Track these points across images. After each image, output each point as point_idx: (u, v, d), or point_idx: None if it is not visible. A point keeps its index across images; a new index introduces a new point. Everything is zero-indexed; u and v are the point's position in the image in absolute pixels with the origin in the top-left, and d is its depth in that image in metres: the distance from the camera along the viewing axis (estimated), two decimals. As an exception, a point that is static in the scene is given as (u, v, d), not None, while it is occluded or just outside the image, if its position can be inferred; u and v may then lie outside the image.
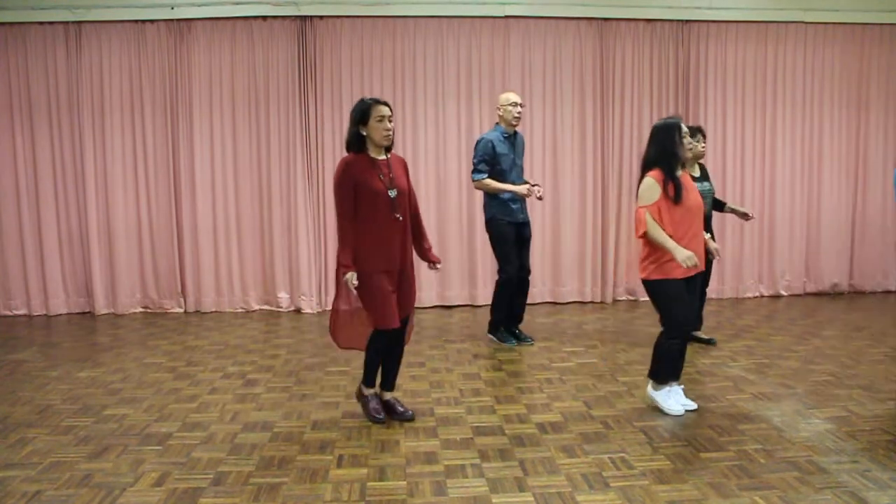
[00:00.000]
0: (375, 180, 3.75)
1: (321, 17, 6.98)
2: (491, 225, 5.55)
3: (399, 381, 4.70)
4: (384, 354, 3.95)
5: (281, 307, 7.19)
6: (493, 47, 7.15)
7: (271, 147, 7.07)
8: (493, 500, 3.01)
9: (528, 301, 5.88)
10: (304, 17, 6.95)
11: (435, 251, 4.28)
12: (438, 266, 4.14)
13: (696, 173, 5.27)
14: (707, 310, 6.99)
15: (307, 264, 7.12)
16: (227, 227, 7.12)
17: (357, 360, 5.27)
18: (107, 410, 4.21)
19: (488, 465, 3.36)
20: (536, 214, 6.76)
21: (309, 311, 7.13)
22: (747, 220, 5.66)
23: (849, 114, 7.66)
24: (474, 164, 5.46)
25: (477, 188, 5.57)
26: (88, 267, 7.07)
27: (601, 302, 7.42)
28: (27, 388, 4.69)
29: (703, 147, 5.27)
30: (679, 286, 3.90)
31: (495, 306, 5.68)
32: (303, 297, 7.14)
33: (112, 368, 5.13)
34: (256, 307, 7.24)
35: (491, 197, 5.51)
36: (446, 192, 7.21)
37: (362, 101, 3.79)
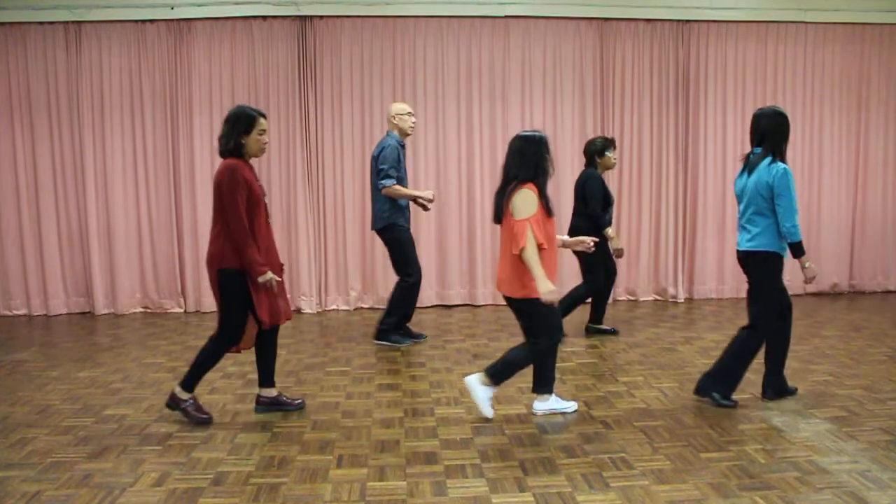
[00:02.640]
0: (257, 186, 3.86)
1: (321, 17, 6.98)
2: (392, 231, 5.50)
3: (399, 380, 4.73)
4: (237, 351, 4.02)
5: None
6: (493, 47, 7.16)
7: (271, 147, 7.05)
8: (493, 500, 3.01)
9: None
10: (304, 17, 6.96)
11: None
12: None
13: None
14: (707, 309, 7.02)
15: (307, 264, 7.13)
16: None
17: (358, 359, 5.27)
18: (107, 410, 4.21)
19: (488, 465, 3.36)
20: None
21: (309, 311, 7.13)
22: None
23: (849, 114, 7.66)
24: (384, 170, 5.37)
25: (386, 194, 5.42)
26: (88, 267, 7.07)
27: (601, 302, 7.42)
28: (27, 388, 4.69)
29: (615, 159, 5.84)
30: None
31: (395, 310, 5.62)
32: (303, 297, 7.14)
33: (112, 368, 5.13)
34: (256, 307, 7.23)
35: (391, 203, 5.46)
36: (446, 191, 7.21)
37: (246, 110, 3.85)
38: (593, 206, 5.58)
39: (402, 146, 5.56)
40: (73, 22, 6.83)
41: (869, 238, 7.80)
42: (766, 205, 3.94)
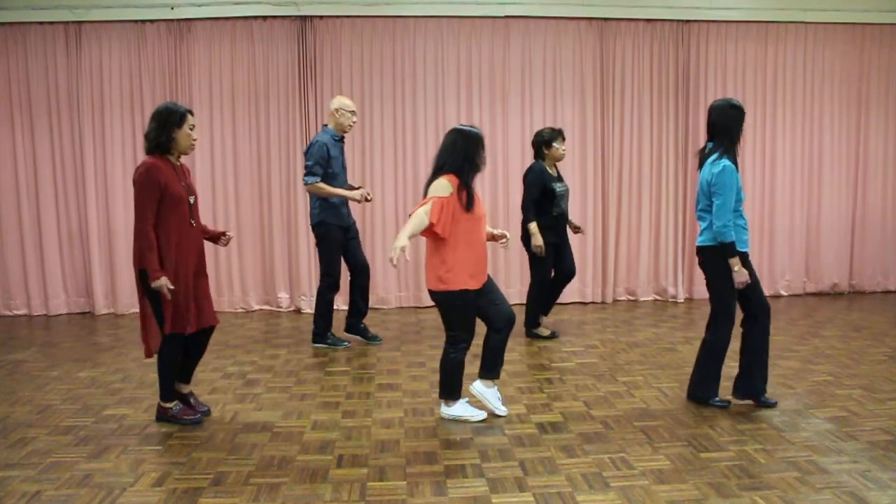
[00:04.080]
0: (177, 185, 3.79)
1: (321, 17, 6.98)
2: (320, 229, 5.44)
3: (399, 380, 4.73)
4: (180, 357, 3.93)
5: (281, 307, 7.19)
6: (493, 47, 7.15)
7: (271, 147, 7.07)
8: (493, 500, 3.01)
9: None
10: (304, 17, 6.95)
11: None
12: (229, 234, 4.22)
13: (555, 173, 5.69)
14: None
15: (307, 264, 7.12)
16: (226, 227, 7.10)
17: (358, 359, 5.27)
18: (107, 410, 4.21)
19: (488, 465, 3.36)
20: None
21: (309, 311, 7.11)
22: (577, 233, 6.06)
23: (849, 114, 7.66)
24: (308, 166, 5.30)
25: (310, 191, 5.39)
26: (88, 267, 7.07)
27: (601, 302, 7.42)
28: (27, 388, 4.69)
29: (564, 150, 5.71)
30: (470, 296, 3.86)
31: (322, 314, 5.58)
32: (303, 297, 7.13)
33: (112, 368, 5.13)
34: (256, 307, 7.24)
35: (322, 200, 5.40)
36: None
37: (176, 105, 3.83)
38: (524, 199, 5.58)
39: (340, 140, 5.47)
40: (73, 22, 6.83)
41: (869, 238, 7.80)
42: (709, 201, 3.95)
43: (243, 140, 7.07)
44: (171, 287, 3.69)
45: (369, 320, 5.97)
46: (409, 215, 3.76)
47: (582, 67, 7.29)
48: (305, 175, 5.32)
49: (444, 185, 3.76)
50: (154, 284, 3.67)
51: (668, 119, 7.40)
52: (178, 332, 3.81)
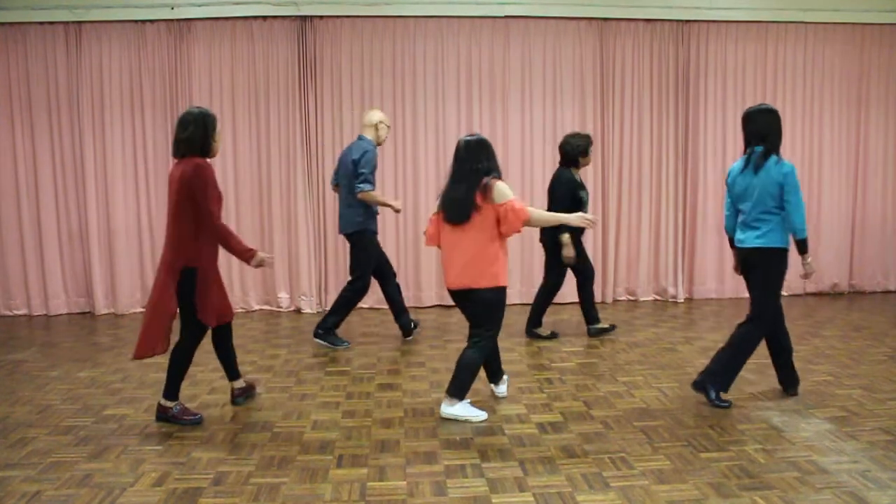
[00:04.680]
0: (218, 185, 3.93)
1: (321, 17, 6.98)
2: (363, 237, 5.50)
3: (399, 380, 4.73)
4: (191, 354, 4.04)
5: (281, 307, 7.19)
6: (493, 47, 7.15)
7: (271, 147, 7.07)
8: (493, 500, 3.01)
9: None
10: (304, 17, 6.95)
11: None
12: None
13: (579, 180, 5.67)
14: (707, 309, 7.03)
15: (307, 264, 7.13)
16: (227, 227, 7.12)
17: (358, 359, 5.27)
18: (107, 410, 4.21)
19: (488, 465, 3.36)
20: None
21: (309, 311, 7.13)
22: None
23: (849, 114, 7.66)
24: (364, 174, 5.35)
25: (362, 198, 5.41)
26: (88, 267, 7.07)
27: (601, 302, 7.41)
28: (27, 388, 4.69)
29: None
30: None
31: (340, 310, 5.60)
32: (303, 297, 7.14)
33: (112, 368, 5.13)
34: (256, 307, 7.24)
35: (367, 208, 5.48)
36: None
37: (210, 111, 3.91)
38: (554, 209, 5.47)
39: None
40: (73, 22, 6.83)
41: (869, 238, 7.80)
42: (774, 203, 4.01)
43: (243, 140, 7.07)
44: (270, 257, 4.05)
45: (370, 320, 5.98)
46: (517, 207, 3.84)
47: (582, 67, 7.29)
48: (361, 182, 5.36)
49: (508, 189, 3.91)
50: (254, 263, 3.91)
51: (668, 119, 7.40)
52: (211, 325, 3.97)
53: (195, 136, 3.80)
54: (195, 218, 3.77)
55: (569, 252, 5.50)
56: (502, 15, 7.08)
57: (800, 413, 4.03)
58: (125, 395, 4.49)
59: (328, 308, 5.82)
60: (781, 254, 4.07)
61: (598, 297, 7.42)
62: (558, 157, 5.81)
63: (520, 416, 4.03)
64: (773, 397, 4.30)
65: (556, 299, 7.37)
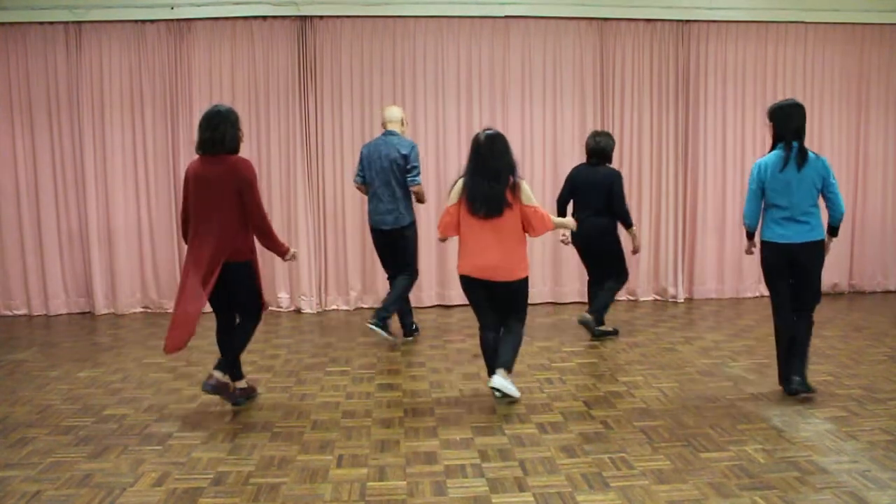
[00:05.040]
0: None
1: (321, 17, 6.97)
2: (412, 229, 5.62)
3: (399, 380, 4.73)
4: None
5: (281, 307, 7.19)
6: (493, 47, 7.15)
7: (271, 147, 7.07)
8: (493, 500, 3.01)
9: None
10: (304, 17, 6.95)
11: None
12: None
13: None
14: (707, 309, 7.03)
15: (307, 264, 7.12)
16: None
17: (358, 359, 5.27)
18: (107, 410, 4.21)
19: (488, 465, 3.36)
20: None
21: (309, 311, 7.13)
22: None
23: (849, 114, 7.66)
24: (417, 168, 5.49)
25: (418, 192, 5.56)
26: (88, 267, 7.07)
27: (601, 302, 7.42)
28: (27, 388, 4.69)
29: None
30: None
31: (399, 301, 5.65)
32: (303, 297, 7.14)
33: (112, 368, 5.13)
34: (256, 307, 7.23)
35: (410, 203, 5.58)
36: (446, 191, 7.18)
37: (233, 109, 4.07)
38: (622, 205, 5.62)
39: None
40: (73, 22, 6.83)
41: (869, 238, 7.79)
42: (818, 196, 4.18)
43: (243, 139, 7.05)
44: (296, 251, 4.43)
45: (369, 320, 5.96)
46: (542, 213, 4.16)
47: (582, 67, 7.29)
48: (417, 176, 5.49)
49: (530, 190, 4.22)
50: (288, 257, 4.22)
51: (667, 119, 7.40)
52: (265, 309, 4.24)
53: (230, 133, 3.95)
54: (241, 213, 3.91)
55: (639, 242, 5.82)
56: (502, 15, 7.08)
57: (800, 413, 4.02)
58: (125, 395, 4.49)
59: (384, 301, 5.73)
60: (824, 244, 4.28)
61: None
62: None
63: (520, 416, 4.03)
64: (773, 397, 4.29)
65: (557, 299, 7.41)
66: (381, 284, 7.17)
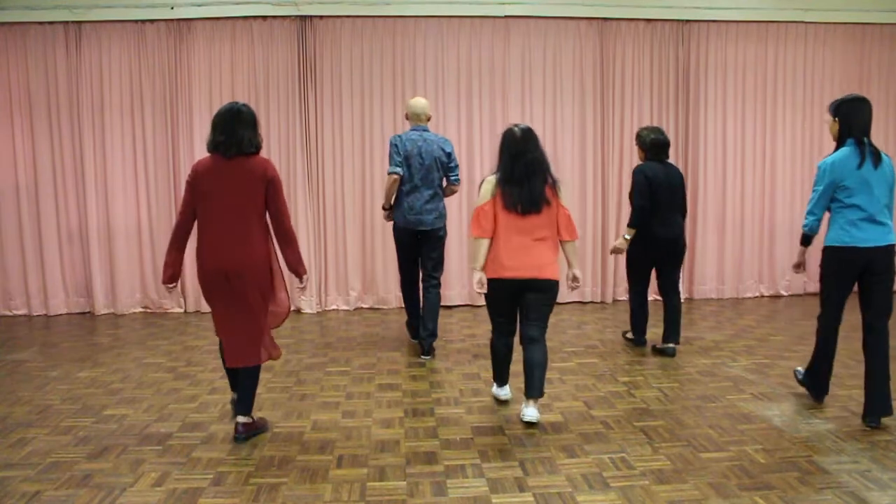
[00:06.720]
0: None
1: (321, 17, 6.97)
2: (446, 229, 5.41)
3: (399, 380, 4.73)
4: None
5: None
6: (493, 47, 7.15)
7: (271, 147, 7.06)
8: (493, 500, 3.01)
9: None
10: (304, 17, 6.95)
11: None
12: None
13: None
14: (707, 309, 7.02)
15: (307, 264, 7.10)
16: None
17: (358, 359, 5.27)
18: (107, 410, 4.21)
19: (488, 465, 3.36)
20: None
21: (309, 311, 7.13)
22: None
23: (849, 114, 7.65)
24: (458, 167, 5.34)
25: (454, 191, 5.40)
26: (88, 267, 7.07)
27: (601, 302, 7.42)
28: (27, 388, 4.69)
29: None
30: None
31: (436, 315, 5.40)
32: (303, 297, 7.13)
33: (112, 368, 5.13)
34: (256, 307, 7.23)
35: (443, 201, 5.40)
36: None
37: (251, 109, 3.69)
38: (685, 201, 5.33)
39: None
40: (73, 22, 6.83)
41: (869, 238, 7.78)
42: (891, 196, 3.85)
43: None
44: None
45: (370, 320, 5.98)
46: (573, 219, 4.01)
47: (582, 67, 7.29)
48: (457, 175, 5.33)
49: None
50: (304, 281, 4.11)
51: (667, 119, 7.40)
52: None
53: (252, 134, 3.60)
54: (262, 218, 3.64)
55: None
56: (502, 15, 7.08)
57: (800, 413, 4.02)
58: (125, 395, 4.49)
59: (424, 316, 5.36)
60: None
61: (598, 298, 7.46)
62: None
63: (520, 416, 4.03)
64: (773, 397, 4.29)
65: (558, 299, 7.38)
66: (381, 284, 7.18)
